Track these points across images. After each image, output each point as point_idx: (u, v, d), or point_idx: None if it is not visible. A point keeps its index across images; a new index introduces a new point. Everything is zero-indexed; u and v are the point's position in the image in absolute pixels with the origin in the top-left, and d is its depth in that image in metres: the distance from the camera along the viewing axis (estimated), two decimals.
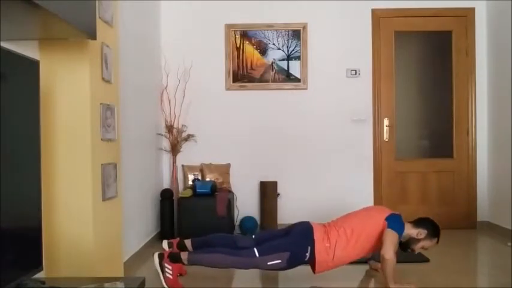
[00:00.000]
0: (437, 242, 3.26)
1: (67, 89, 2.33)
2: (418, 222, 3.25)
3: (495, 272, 3.59)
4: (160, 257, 3.02)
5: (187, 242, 3.30)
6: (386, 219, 3.11)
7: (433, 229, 3.22)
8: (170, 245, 3.28)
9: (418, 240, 3.19)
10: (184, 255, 3.05)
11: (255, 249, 3.04)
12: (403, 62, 5.16)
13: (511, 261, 3.67)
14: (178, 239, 3.35)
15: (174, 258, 3.02)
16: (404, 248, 3.22)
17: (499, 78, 4.79)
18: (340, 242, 3.08)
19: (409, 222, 3.25)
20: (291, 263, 3.05)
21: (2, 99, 1.54)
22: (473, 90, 5.07)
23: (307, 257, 3.07)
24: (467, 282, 3.25)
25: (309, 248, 3.06)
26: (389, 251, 2.94)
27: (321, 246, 3.07)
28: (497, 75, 4.83)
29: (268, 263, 3.02)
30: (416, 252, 3.28)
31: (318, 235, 3.10)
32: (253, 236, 3.32)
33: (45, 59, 2.30)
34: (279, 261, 3.02)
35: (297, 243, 3.09)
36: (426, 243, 3.22)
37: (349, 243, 3.08)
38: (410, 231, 3.19)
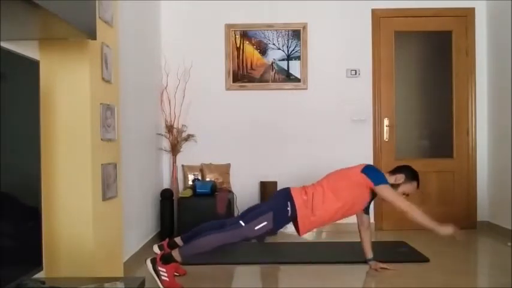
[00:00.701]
0: (418, 186, 3.35)
1: (67, 89, 2.33)
2: (395, 170, 3.38)
3: (495, 272, 3.59)
4: (153, 261, 3.00)
5: (178, 240, 3.30)
6: (363, 171, 3.20)
7: (410, 173, 3.34)
8: (161, 248, 3.28)
9: (398, 185, 3.29)
10: (175, 253, 3.02)
11: (240, 221, 3.12)
12: (403, 62, 5.16)
13: (511, 261, 3.67)
14: (167, 239, 3.35)
15: (167, 259, 2.99)
16: None
17: (499, 78, 4.79)
18: (317, 194, 3.19)
19: (386, 172, 3.36)
20: (276, 222, 3.12)
21: (2, 99, 1.54)
22: (473, 90, 5.07)
23: (290, 212, 3.16)
24: (467, 282, 3.25)
25: (289, 203, 3.17)
26: (402, 204, 3.09)
27: (299, 200, 3.17)
28: (497, 75, 4.83)
29: (256, 228, 3.08)
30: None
31: (295, 192, 3.23)
32: (239, 213, 3.37)
33: (45, 59, 2.30)
34: (265, 223, 3.08)
35: (276, 202, 3.22)
36: (406, 187, 3.31)
37: (326, 195, 3.17)
38: (388, 178, 3.28)
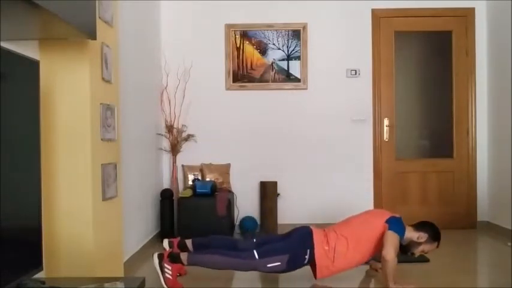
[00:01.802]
0: (438, 246, 3.26)
1: (67, 89, 2.33)
2: (419, 226, 3.25)
3: (495, 272, 3.59)
4: (160, 257, 3.01)
5: (188, 242, 3.30)
6: (387, 221, 3.11)
7: (434, 233, 3.22)
8: (171, 245, 3.27)
9: (419, 243, 3.19)
10: (183, 256, 3.05)
11: (255, 251, 3.04)
12: (403, 62, 5.16)
13: (511, 261, 3.67)
14: (179, 238, 3.35)
15: (174, 259, 3.02)
16: (405, 251, 3.22)
17: (499, 78, 4.79)
18: (339, 244, 3.08)
19: (410, 225, 3.25)
20: (290, 266, 3.06)
21: (2, 99, 1.54)
22: (473, 90, 5.07)
23: (306, 260, 3.08)
24: (467, 282, 3.24)
25: (308, 250, 3.07)
26: (390, 252, 2.95)
27: (321, 249, 3.07)
28: (497, 75, 4.83)
29: (268, 265, 3.03)
30: (416, 256, 3.28)
31: (317, 238, 3.10)
32: (254, 240, 3.32)
33: (45, 59, 2.30)
34: (279, 263, 3.02)
35: (296, 246, 3.10)
36: (426, 247, 3.22)
37: (349, 246, 3.08)
38: (411, 234, 3.19)
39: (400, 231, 3.11)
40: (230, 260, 3.03)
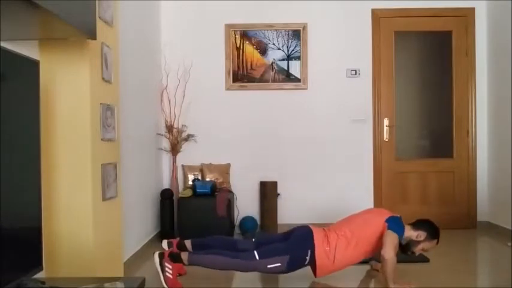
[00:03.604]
0: (437, 243, 3.26)
1: (67, 89, 2.33)
2: (418, 224, 3.26)
3: (495, 272, 3.59)
4: (161, 256, 3.02)
5: (187, 243, 3.31)
6: (386, 221, 3.12)
7: (433, 231, 3.23)
8: (170, 245, 3.27)
9: (418, 242, 3.20)
10: (184, 255, 3.05)
11: (255, 252, 3.04)
12: (403, 62, 5.16)
13: (511, 261, 3.67)
14: (178, 239, 3.35)
15: (174, 258, 3.02)
16: (405, 251, 3.23)
17: (499, 78, 4.79)
18: (340, 245, 3.09)
19: (408, 224, 3.25)
20: (290, 267, 3.06)
21: (2, 99, 1.54)
22: (473, 90, 5.07)
23: (307, 261, 3.08)
24: (467, 282, 3.24)
25: (309, 251, 3.07)
26: (389, 252, 2.95)
27: (321, 250, 3.08)
28: (497, 75, 4.83)
29: (268, 266, 3.03)
30: (416, 254, 3.28)
31: (317, 238, 3.10)
32: (254, 240, 3.32)
33: (45, 59, 2.30)
34: (279, 264, 3.02)
35: (296, 246, 3.10)
36: (426, 245, 3.22)
37: (349, 246, 3.09)
38: (409, 233, 3.20)
39: (399, 231, 3.11)
40: (230, 260, 3.03)
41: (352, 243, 3.09)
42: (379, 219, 3.15)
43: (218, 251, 3.11)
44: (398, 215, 3.22)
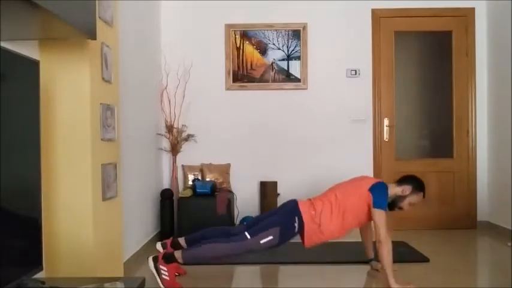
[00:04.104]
0: (424, 196, 3.33)
1: (67, 89, 2.33)
2: (401, 180, 3.34)
3: (495, 272, 3.59)
4: (155, 259, 3.01)
5: (181, 240, 3.30)
6: (370, 190, 3.16)
7: (417, 183, 3.30)
8: (164, 246, 3.28)
9: (404, 197, 3.26)
10: (178, 254, 3.03)
11: (246, 233, 3.08)
12: (403, 62, 5.16)
13: (511, 261, 3.67)
14: (171, 238, 3.35)
15: (169, 259, 3.00)
16: (392, 207, 3.27)
17: (499, 78, 4.79)
18: (325, 209, 3.15)
19: (393, 183, 3.33)
20: (282, 237, 3.09)
21: (2, 99, 1.54)
22: (473, 90, 5.07)
23: (296, 228, 3.12)
24: (467, 282, 3.25)
25: (296, 218, 3.13)
26: (381, 233, 3.02)
27: (307, 215, 3.14)
28: (497, 75, 4.83)
29: (261, 242, 3.05)
30: (405, 210, 3.32)
31: (303, 206, 3.18)
32: (245, 223, 3.34)
33: (45, 59, 2.30)
34: (271, 237, 3.05)
35: (284, 216, 3.16)
36: (412, 198, 3.28)
37: (334, 211, 3.14)
38: (394, 190, 3.26)
39: (383, 201, 3.15)
40: (224, 245, 3.04)
41: (336, 209, 3.15)
42: (363, 187, 3.20)
43: (210, 240, 3.10)
44: (381, 180, 3.29)
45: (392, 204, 3.26)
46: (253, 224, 3.24)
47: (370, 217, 3.18)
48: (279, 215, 3.19)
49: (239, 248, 3.06)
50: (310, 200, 3.27)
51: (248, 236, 3.05)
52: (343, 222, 3.16)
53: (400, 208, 3.29)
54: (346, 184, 3.34)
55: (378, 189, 3.18)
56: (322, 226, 3.12)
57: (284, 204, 3.32)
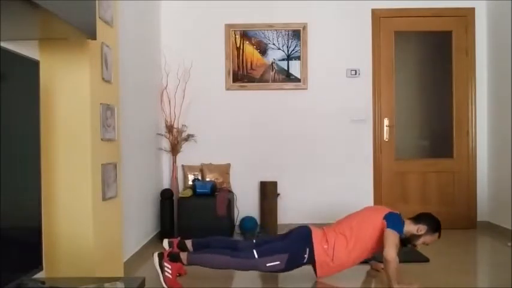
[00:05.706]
0: (439, 236, 3.25)
1: (67, 89, 2.33)
2: (418, 218, 3.26)
3: (495, 271, 3.59)
4: (160, 256, 3.03)
5: (188, 243, 3.32)
6: (385, 218, 3.12)
7: (434, 224, 3.23)
8: (171, 244, 3.28)
9: (419, 236, 3.20)
10: (183, 255, 3.06)
11: (254, 251, 3.06)
12: (403, 62, 5.16)
13: (511, 261, 3.67)
14: (179, 238, 3.35)
15: (174, 258, 3.03)
16: (405, 244, 3.22)
17: (499, 78, 4.79)
18: (338, 242, 3.10)
19: (408, 219, 3.26)
20: (289, 265, 3.07)
21: (2, 99, 1.54)
22: (473, 90, 5.07)
23: (306, 259, 3.10)
24: (467, 282, 3.25)
25: (307, 249, 3.09)
26: (390, 252, 2.95)
27: (320, 248, 3.09)
28: (497, 75, 4.83)
29: (267, 265, 3.04)
30: (418, 248, 3.28)
31: (316, 237, 3.12)
32: (254, 240, 3.34)
33: (45, 59, 2.30)
34: (278, 262, 3.04)
35: (295, 245, 3.12)
36: (427, 238, 3.22)
37: (348, 245, 3.10)
38: (410, 227, 3.19)
39: (399, 228, 3.10)
40: (230, 259, 3.04)
41: (351, 242, 3.09)
42: (377, 217, 3.15)
43: (217, 250, 3.12)
44: (397, 212, 3.22)
45: (407, 241, 3.20)
46: (262, 243, 3.22)
47: (382, 244, 3.07)
48: (291, 241, 3.16)
49: (244, 265, 3.08)
50: (323, 229, 3.21)
51: (256, 255, 3.04)
52: (356, 253, 3.12)
53: (414, 246, 3.25)
54: (360, 214, 3.28)
55: (393, 218, 3.13)
56: (335, 259, 3.09)
57: (297, 230, 3.25)
